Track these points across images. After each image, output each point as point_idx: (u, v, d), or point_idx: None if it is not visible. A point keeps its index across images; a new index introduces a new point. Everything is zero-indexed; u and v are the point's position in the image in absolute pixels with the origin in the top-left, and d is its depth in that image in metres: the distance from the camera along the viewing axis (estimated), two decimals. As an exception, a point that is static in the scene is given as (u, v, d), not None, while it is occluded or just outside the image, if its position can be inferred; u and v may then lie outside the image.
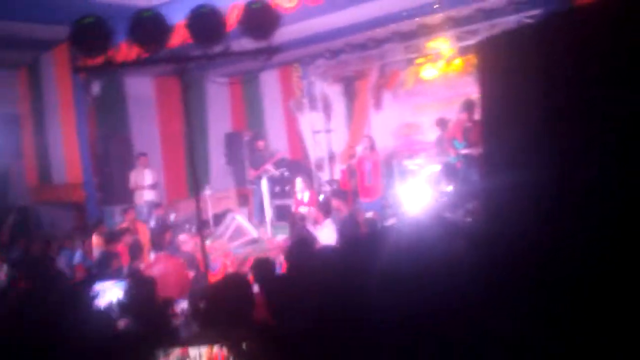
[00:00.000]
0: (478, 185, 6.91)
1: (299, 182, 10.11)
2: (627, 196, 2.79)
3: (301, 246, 5.04)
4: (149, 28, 3.68)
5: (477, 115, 7.87)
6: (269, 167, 11.88)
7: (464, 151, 8.93)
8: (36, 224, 13.03)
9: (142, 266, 7.29)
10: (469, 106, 8.73)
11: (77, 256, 8.66)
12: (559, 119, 3.24)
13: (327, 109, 13.62)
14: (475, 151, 8.64)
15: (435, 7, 9.78)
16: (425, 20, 10.69)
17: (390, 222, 6.65)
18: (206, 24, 3.75)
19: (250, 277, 5.83)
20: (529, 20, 9.31)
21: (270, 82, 14.50)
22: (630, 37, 2.70)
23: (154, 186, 11.28)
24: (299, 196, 10.01)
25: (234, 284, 3.21)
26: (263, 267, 5.00)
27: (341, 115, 13.78)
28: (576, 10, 3.98)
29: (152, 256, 7.32)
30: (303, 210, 9.67)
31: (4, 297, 6.96)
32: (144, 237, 9.21)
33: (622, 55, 2.76)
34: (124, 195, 11.41)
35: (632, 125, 2.75)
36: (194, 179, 4.76)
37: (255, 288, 4.98)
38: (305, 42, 11.48)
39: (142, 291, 4.51)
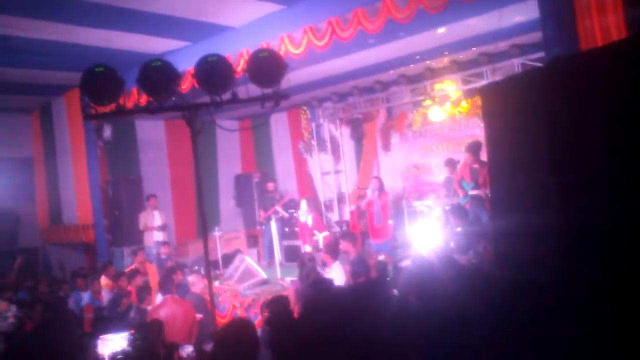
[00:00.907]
0: (487, 227, 6.90)
1: (303, 204, 10.12)
2: (634, 238, 2.79)
3: (317, 288, 5.05)
4: (158, 78, 3.77)
5: (483, 157, 7.90)
6: (279, 208, 11.93)
7: (472, 192, 8.94)
8: (45, 265, 13.12)
9: (149, 308, 7.26)
10: (474, 148, 8.79)
11: (86, 297, 8.64)
12: (564, 164, 3.27)
13: (335, 150, 13.73)
14: (482, 192, 8.64)
15: (444, 53, 9.96)
16: (431, 64, 10.87)
17: (403, 264, 6.62)
18: (213, 74, 3.85)
19: (260, 317, 5.82)
20: (532, 63, 9.46)
21: (279, 124, 14.69)
22: (636, 82, 2.74)
23: (163, 227, 11.35)
24: (302, 219, 9.95)
25: (241, 327, 3.21)
26: (279, 303, 5.02)
27: (350, 157, 13.88)
28: (581, 55, 4.07)
29: (159, 298, 7.29)
30: (309, 244, 9.74)
31: (11, 338, 6.96)
32: (153, 278, 9.20)
33: (627, 100, 2.81)
34: (134, 237, 11.48)
35: (632, 168, 2.77)
36: (202, 220, 4.79)
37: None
38: (313, 85, 11.69)
39: (147, 340, 4.50)
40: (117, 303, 7.66)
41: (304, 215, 9.94)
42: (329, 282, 5.49)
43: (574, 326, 3.02)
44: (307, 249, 10.05)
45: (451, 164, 10.21)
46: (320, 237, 9.91)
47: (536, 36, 8.12)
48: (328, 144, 13.78)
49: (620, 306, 2.89)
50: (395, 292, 4.63)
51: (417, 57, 10.14)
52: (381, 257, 9.12)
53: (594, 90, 2.89)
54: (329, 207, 13.81)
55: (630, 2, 4.58)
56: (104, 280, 8.98)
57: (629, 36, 4.57)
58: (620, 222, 2.91)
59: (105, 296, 8.73)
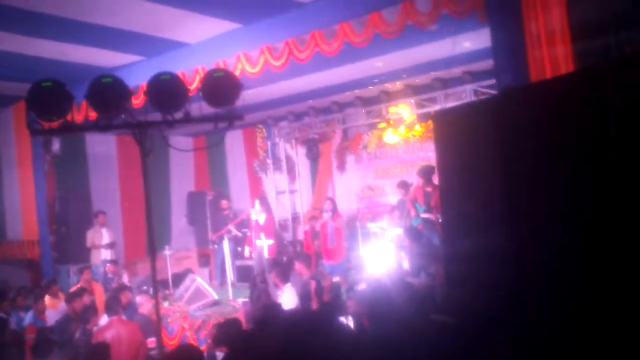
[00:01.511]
0: (439, 250, 6.98)
1: (257, 204, 9.98)
2: (584, 264, 2.86)
3: (267, 312, 4.99)
4: (108, 94, 3.67)
5: (435, 180, 7.99)
6: (232, 227, 11.76)
7: (424, 215, 9.03)
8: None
9: (94, 329, 7.00)
10: (426, 172, 8.85)
11: (29, 317, 8.27)
12: (513, 191, 3.33)
13: (291, 170, 13.71)
14: (434, 216, 8.74)
15: (403, 75, 10.13)
16: (387, 87, 11.03)
17: (359, 287, 6.64)
18: (166, 92, 3.77)
19: (210, 340, 5.70)
20: (483, 90, 9.72)
21: (234, 142, 14.59)
22: (581, 114, 2.83)
23: (111, 245, 11.04)
24: (253, 217, 9.80)
25: (188, 355, 3.11)
26: (231, 327, 4.94)
27: (305, 177, 13.89)
28: (531, 87, 4.19)
29: (105, 319, 7.05)
30: (259, 244, 9.65)
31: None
32: (100, 298, 8.90)
33: (574, 132, 2.90)
34: (80, 254, 11.12)
35: (583, 196, 2.84)
36: (150, 238, 4.66)
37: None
38: (269, 104, 11.68)
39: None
40: (67, 326, 7.32)
41: (257, 213, 9.80)
42: (279, 306, 5.44)
43: (523, 346, 3.07)
44: (259, 243, 9.85)
45: (404, 186, 10.31)
46: (265, 245, 9.76)
47: (488, 64, 8.33)
48: (283, 163, 13.76)
49: (567, 323, 2.95)
50: (348, 316, 4.62)
51: (375, 80, 10.28)
52: (336, 279, 9.10)
53: (544, 122, 2.96)
54: (283, 227, 13.72)
55: (578, 36, 4.75)
56: (48, 299, 8.65)
57: (577, 70, 4.73)
58: (569, 248, 2.97)
59: (50, 316, 8.40)
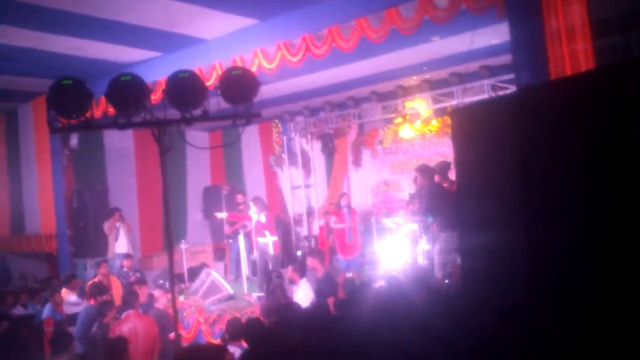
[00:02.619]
0: (455, 247, 6.94)
1: (252, 205, 10.03)
2: (600, 262, 2.84)
3: (284, 312, 5.01)
4: (127, 93, 3.69)
5: (452, 176, 7.91)
6: (247, 222, 11.80)
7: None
8: (5, 274, 12.74)
9: (111, 323, 7.07)
10: (442, 168, 8.64)
11: (47, 309, 8.36)
12: (530, 188, 3.31)
13: (306, 164, 13.72)
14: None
15: (423, 69, 10.06)
16: (403, 82, 10.97)
17: (377, 284, 6.63)
18: (185, 90, 3.78)
19: (227, 334, 5.74)
20: (501, 85, 9.63)
21: (250, 137, 14.61)
22: (601, 112, 2.80)
23: (128, 239, 11.13)
24: (254, 218, 9.86)
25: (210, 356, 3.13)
26: (253, 325, 4.97)
27: (320, 172, 13.89)
28: (551, 84, 4.14)
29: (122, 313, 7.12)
30: (262, 241, 9.75)
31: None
32: (117, 292, 8.99)
33: (594, 130, 2.87)
34: (98, 248, 11.23)
35: (601, 195, 2.82)
36: (168, 233, 4.69)
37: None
38: (285, 99, 11.68)
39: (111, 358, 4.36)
40: (87, 319, 7.31)
41: (255, 214, 9.87)
42: (295, 305, 5.46)
43: (540, 341, 3.06)
44: (262, 240, 9.90)
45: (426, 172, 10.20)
46: (270, 241, 9.81)
47: (506, 59, 8.25)
48: (299, 158, 13.78)
49: (581, 319, 2.95)
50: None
51: (398, 73, 10.20)
52: (349, 275, 9.11)
53: (563, 119, 2.94)
54: (298, 222, 13.76)
55: (599, 32, 4.69)
56: (65, 292, 8.75)
57: (598, 67, 4.67)
58: (585, 246, 2.96)
59: (67, 309, 8.51)
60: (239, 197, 12.64)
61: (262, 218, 9.72)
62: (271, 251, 9.67)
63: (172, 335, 6.32)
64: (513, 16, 5.45)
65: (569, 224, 3.06)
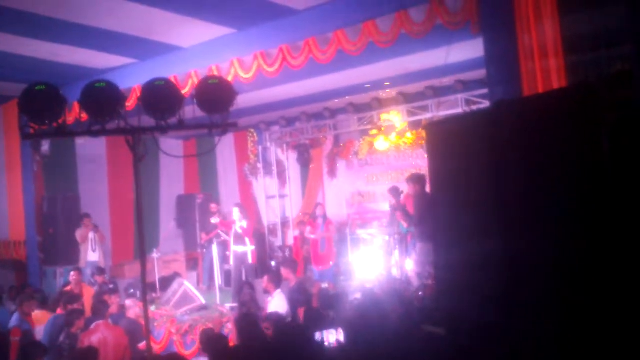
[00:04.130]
0: (429, 259, 7.00)
1: (236, 211, 9.99)
2: (575, 274, 2.89)
3: (246, 321, 4.97)
4: (102, 100, 3.65)
5: (426, 189, 7.96)
6: (221, 231, 11.71)
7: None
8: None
9: (79, 334, 6.93)
10: (420, 179, 8.68)
11: (14, 319, 8.13)
12: (505, 201, 3.36)
13: (281, 174, 13.71)
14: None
15: (386, 84, 10.17)
16: (379, 94, 11.07)
17: (354, 296, 6.65)
18: (160, 99, 3.76)
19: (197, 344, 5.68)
20: (475, 99, 9.77)
21: (225, 146, 14.54)
22: (573, 128, 2.87)
23: (101, 250, 10.95)
24: (237, 224, 9.80)
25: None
26: (218, 342, 4.91)
27: (295, 182, 13.90)
28: (524, 100, 4.22)
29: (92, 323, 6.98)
30: (241, 250, 9.69)
31: None
32: (88, 300, 8.82)
33: (567, 145, 2.93)
34: (68, 256, 11.03)
35: (574, 207, 2.87)
36: (141, 241, 4.62)
37: None
38: (261, 109, 11.68)
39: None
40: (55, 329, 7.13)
41: (238, 221, 9.83)
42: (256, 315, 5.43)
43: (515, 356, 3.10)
44: (241, 249, 9.85)
45: (395, 192, 10.30)
46: (249, 250, 9.77)
47: (480, 73, 8.39)
48: (274, 167, 13.76)
49: (559, 333, 2.98)
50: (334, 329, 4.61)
51: (367, 85, 10.29)
52: (325, 285, 9.10)
53: (536, 134, 2.99)
54: (272, 232, 13.71)
55: (571, 49, 4.80)
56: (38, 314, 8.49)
57: (570, 85, 4.77)
58: (560, 258, 3.01)
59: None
60: (213, 207, 12.52)
61: (245, 224, 9.70)
62: (250, 260, 9.64)
63: (142, 345, 6.23)
64: (487, 32, 5.54)
65: (544, 237, 3.11)
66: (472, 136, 3.50)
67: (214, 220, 10.68)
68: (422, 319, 4.27)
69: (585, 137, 2.74)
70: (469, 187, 3.57)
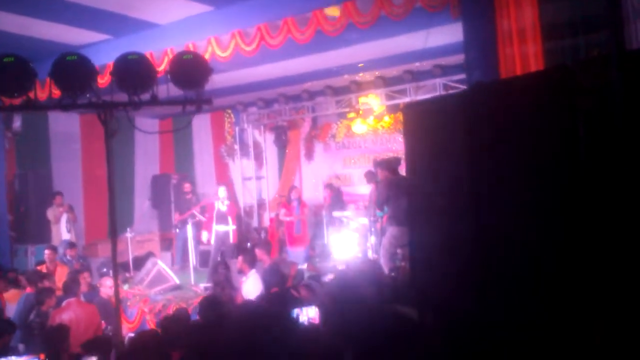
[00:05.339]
0: (402, 242, 7.03)
1: (222, 190, 10.01)
2: (546, 250, 2.93)
3: (210, 305, 4.97)
4: (73, 73, 3.56)
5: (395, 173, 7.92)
6: (195, 211, 11.63)
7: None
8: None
9: (51, 311, 6.84)
10: (390, 163, 8.53)
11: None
12: (479, 182, 3.38)
13: (258, 156, 13.64)
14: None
15: (359, 65, 10.13)
16: (357, 77, 11.04)
17: (327, 278, 6.67)
18: (133, 73, 3.68)
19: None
20: (453, 84, 9.80)
21: (201, 127, 14.39)
22: (552, 112, 2.88)
23: (71, 245, 10.79)
24: (224, 203, 9.81)
25: (147, 341, 3.07)
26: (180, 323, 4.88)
27: (272, 163, 13.85)
28: (501, 83, 4.24)
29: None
30: (223, 229, 9.79)
31: None
32: (62, 279, 8.70)
33: (542, 129, 2.95)
34: (40, 234, 10.89)
35: (549, 189, 2.90)
36: (113, 220, 4.57)
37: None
38: (239, 89, 11.56)
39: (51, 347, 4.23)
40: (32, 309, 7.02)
41: (223, 199, 9.83)
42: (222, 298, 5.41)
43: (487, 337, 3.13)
44: (222, 228, 9.89)
45: (371, 176, 10.31)
46: (231, 230, 9.78)
47: (458, 58, 8.40)
48: (251, 149, 13.68)
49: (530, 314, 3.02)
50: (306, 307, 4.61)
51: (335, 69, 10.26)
52: (303, 266, 9.16)
53: (512, 118, 3.00)
54: (248, 213, 13.67)
55: (549, 35, 4.83)
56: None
57: (547, 68, 4.80)
58: (533, 241, 3.04)
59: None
60: (187, 186, 12.42)
61: (226, 203, 9.74)
62: (231, 240, 9.68)
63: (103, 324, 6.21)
64: (466, 16, 5.55)
65: (517, 218, 3.14)
66: (448, 118, 3.50)
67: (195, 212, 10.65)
68: (395, 299, 4.29)
69: (561, 121, 2.75)
70: (445, 168, 3.58)
